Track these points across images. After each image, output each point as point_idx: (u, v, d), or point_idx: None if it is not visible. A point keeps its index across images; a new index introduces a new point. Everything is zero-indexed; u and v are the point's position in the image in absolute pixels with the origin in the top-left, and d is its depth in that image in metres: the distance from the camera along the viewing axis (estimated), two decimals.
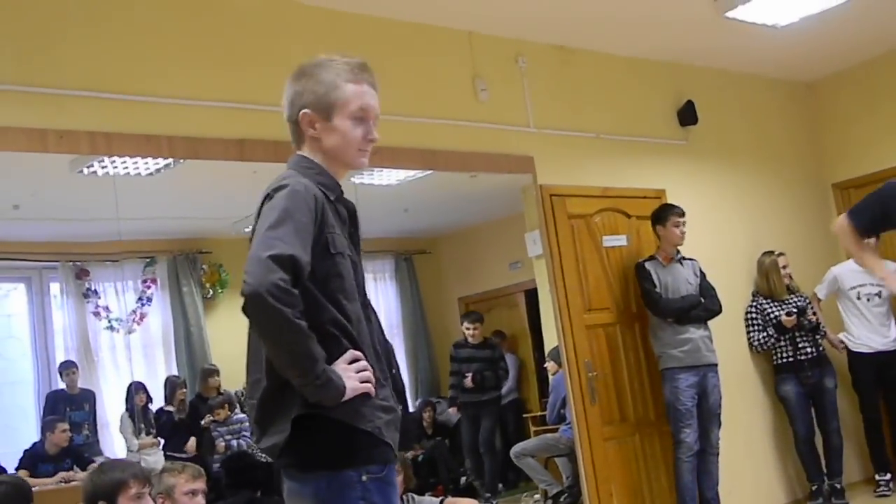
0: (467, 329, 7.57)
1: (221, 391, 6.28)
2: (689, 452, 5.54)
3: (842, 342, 6.63)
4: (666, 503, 5.66)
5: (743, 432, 6.25)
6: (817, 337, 6.37)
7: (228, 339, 6.22)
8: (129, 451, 5.36)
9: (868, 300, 6.55)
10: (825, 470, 6.37)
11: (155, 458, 5.19)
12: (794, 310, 6.30)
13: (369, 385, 2.06)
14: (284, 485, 2.02)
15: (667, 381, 5.62)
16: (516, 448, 7.30)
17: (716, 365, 5.69)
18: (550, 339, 6.38)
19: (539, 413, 7.90)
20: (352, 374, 2.00)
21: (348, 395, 1.98)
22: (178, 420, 5.90)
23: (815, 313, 6.41)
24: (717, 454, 5.66)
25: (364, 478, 1.97)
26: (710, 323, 5.74)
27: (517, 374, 8.69)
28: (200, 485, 3.42)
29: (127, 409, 5.45)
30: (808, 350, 6.33)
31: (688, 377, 5.56)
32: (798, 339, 6.33)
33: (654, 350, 5.72)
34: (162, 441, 5.61)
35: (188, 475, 3.40)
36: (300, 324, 1.94)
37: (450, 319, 8.24)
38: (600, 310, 5.72)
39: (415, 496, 4.37)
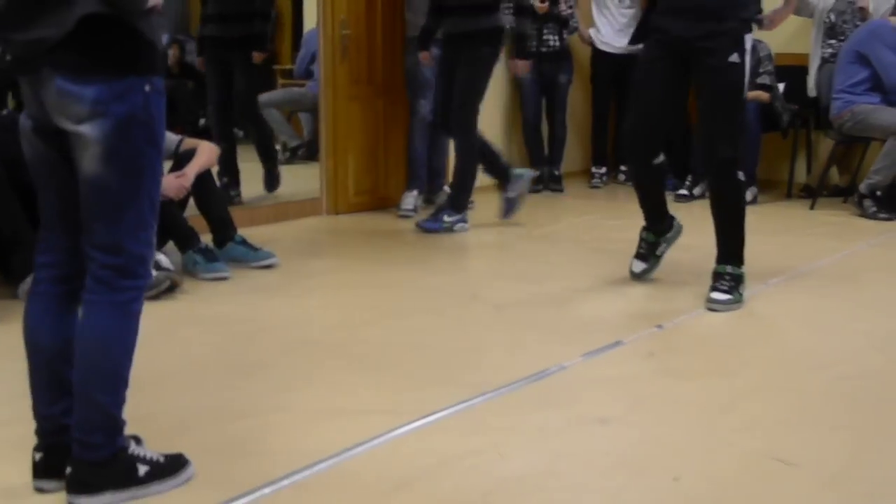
0: None
1: None
2: (423, 123, 5.73)
3: (590, 38, 6.93)
4: (399, 167, 5.93)
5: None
6: (564, 31, 6.62)
7: None
8: None
9: (619, 1, 6.82)
10: (548, 157, 6.87)
11: None
12: None
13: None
14: (49, 86, 1.94)
15: (410, 52, 5.64)
16: (262, 97, 7.27)
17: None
18: None
19: (289, 66, 7.84)
20: None
21: (150, 2, 1.94)
22: None
23: (570, 7, 6.62)
24: None
25: (147, 88, 1.96)
26: None
27: (273, 22, 8.46)
28: None
29: None
30: (551, 43, 6.59)
31: (432, 48, 5.59)
32: (545, 31, 6.56)
33: (406, 15, 5.70)
34: None
35: None
36: None
37: None
38: None
39: None
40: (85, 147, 1.95)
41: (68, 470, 2.04)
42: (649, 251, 4.15)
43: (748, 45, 3.72)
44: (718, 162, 3.73)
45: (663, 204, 4.10)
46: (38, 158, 2.08)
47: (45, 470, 2.11)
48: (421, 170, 5.80)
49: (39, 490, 2.12)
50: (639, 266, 4.15)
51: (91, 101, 1.91)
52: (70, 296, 2.12)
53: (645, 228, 4.14)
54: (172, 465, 2.15)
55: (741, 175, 3.79)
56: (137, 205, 2.00)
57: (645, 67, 3.88)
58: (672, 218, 4.17)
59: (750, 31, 3.76)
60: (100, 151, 1.94)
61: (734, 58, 3.66)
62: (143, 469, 2.09)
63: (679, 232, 4.20)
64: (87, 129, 1.93)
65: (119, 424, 2.08)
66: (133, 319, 2.05)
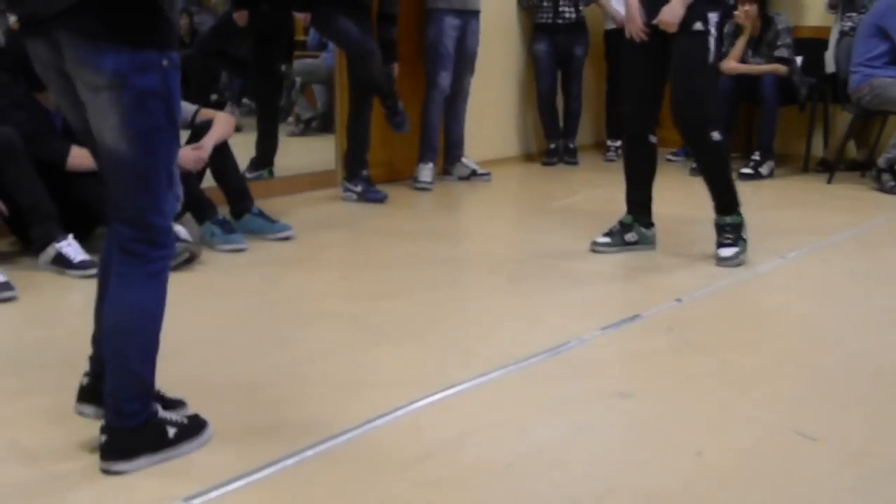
0: None
1: None
2: (442, 95, 5.74)
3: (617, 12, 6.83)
4: (413, 140, 5.90)
5: (495, 84, 6.52)
6: (580, 3, 6.55)
7: None
8: None
9: None
10: (562, 130, 6.83)
11: None
12: None
13: None
14: (67, 52, 1.92)
15: (432, 23, 5.69)
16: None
17: (478, 12, 5.81)
18: None
19: (303, 38, 7.81)
20: None
21: None
22: None
23: None
24: (466, 99, 5.92)
25: (165, 63, 1.95)
26: None
27: None
28: None
29: None
30: (567, 15, 6.53)
31: (453, 20, 5.66)
32: (560, 3, 6.50)
33: None
34: None
35: None
36: None
37: None
38: None
39: None
40: (103, 118, 1.95)
41: (102, 438, 2.06)
42: (619, 231, 4.17)
43: (713, 19, 3.84)
44: (685, 123, 3.94)
45: (649, 190, 4.19)
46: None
47: (89, 394, 2.16)
48: (436, 142, 5.80)
49: (79, 413, 2.18)
50: (602, 239, 4.16)
51: (110, 72, 1.90)
52: None
53: (627, 212, 4.20)
54: (195, 426, 2.20)
55: (716, 135, 3.89)
56: (157, 179, 2.01)
57: (630, 45, 4.00)
58: (653, 224, 4.22)
59: (718, 9, 3.87)
60: (118, 123, 1.93)
61: (698, 26, 3.83)
62: (172, 431, 2.13)
63: (653, 243, 4.21)
64: (105, 100, 1.92)
65: (152, 390, 2.12)
66: (163, 288, 2.08)
